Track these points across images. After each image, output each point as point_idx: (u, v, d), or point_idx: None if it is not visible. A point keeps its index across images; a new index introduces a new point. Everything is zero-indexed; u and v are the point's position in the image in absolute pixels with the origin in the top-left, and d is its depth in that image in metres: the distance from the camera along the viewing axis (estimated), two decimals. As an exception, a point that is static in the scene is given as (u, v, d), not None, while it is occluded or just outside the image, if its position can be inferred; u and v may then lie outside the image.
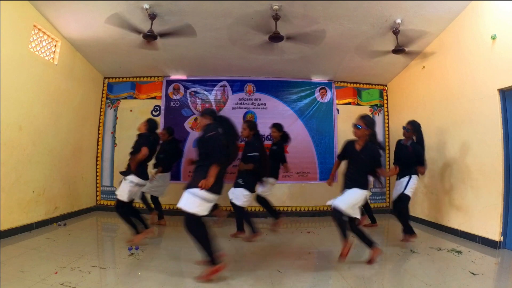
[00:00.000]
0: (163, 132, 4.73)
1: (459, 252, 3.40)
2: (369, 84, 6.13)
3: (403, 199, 3.78)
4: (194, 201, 2.58)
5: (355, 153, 3.14)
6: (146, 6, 3.76)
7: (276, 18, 3.85)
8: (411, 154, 3.82)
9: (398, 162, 3.89)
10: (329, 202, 3.12)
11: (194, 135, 5.75)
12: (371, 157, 3.06)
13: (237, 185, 3.89)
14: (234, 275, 2.78)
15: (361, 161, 3.08)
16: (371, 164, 3.07)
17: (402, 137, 4.03)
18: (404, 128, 3.97)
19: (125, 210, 3.60)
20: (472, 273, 2.79)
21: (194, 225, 2.62)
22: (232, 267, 3.00)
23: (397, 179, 3.96)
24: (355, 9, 3.91)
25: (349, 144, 3.24)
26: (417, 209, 5.00)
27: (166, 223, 4.65)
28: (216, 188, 2.67)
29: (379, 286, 2.55)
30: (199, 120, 3.01)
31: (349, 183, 3.11)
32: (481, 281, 2.62)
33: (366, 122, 3.10)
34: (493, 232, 3.54)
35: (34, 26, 4.00)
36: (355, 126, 3.12)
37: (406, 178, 3.79)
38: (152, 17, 3.88)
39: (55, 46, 4.50)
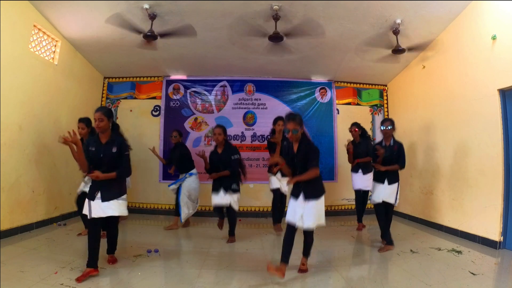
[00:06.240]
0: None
1: (459, 252, 3.40)
2: (369, 84, 6.13)
3: (392, 208, 3.69)
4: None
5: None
6: (146, 6, 3.76)
7: (276, 18, 3.85)
8: (396, 155, 3.63)
9: (383, 165, 3.65)
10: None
11: (194, 135, 5.76)
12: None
13: (234, 191, 3.88)
14: (234, 275, 2.79)
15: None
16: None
17: (397, 138, 3.77)
18: (385, 128, 3.67)
19: None
20: (472, 273, 2.79)
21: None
22: (232, 267, 3.01)
23: (378, 182, 3.70)
24: (355, 9, 3.91)
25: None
26: (417, 209, 5.01)
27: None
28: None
29: (379, 286, 2.55)
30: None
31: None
32: (481, 281, 2.62)
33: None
34: (493, 232, 3.54)
35: (34, 26, 4.00)
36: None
37: (395, 185, 3.62)
38: (152, 17, 3.88)
39: (55, 46, 4.50)
